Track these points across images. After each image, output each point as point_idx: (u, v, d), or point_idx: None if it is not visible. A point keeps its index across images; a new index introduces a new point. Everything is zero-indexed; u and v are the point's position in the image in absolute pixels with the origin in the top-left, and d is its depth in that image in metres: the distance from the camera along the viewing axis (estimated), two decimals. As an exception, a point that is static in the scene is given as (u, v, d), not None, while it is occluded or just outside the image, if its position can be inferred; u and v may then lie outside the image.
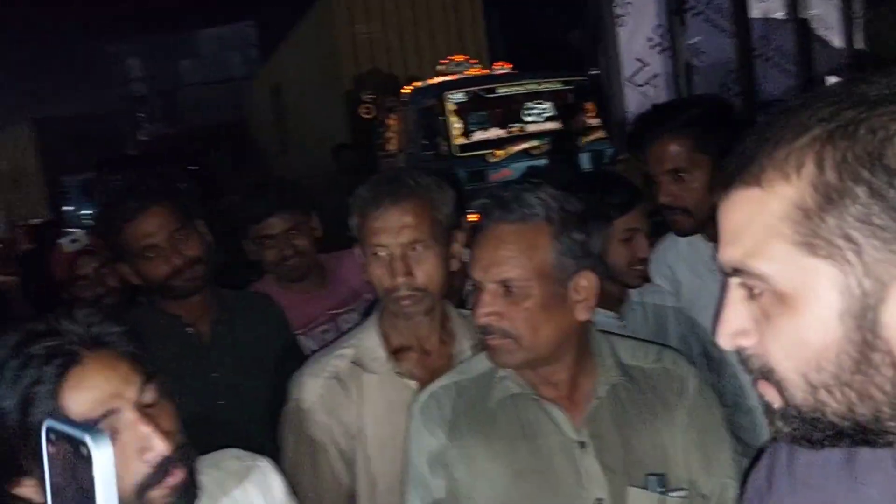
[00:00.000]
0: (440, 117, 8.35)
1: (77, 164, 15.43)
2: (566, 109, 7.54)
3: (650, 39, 3.80)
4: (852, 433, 0.58)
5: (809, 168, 0.56)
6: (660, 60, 3.81)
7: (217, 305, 1.81)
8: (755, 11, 3.68)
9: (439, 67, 9.74)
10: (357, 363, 1.48)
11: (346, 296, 2.18)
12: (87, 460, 0.58)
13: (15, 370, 0.86)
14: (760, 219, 0.58)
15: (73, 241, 2.25)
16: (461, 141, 8.23)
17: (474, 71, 9.57)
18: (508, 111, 8.54)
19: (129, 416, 0.88)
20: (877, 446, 0.60)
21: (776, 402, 0.60)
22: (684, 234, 1.72)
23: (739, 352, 0.62)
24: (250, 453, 1.13)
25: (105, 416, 0.87)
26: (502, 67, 9.71)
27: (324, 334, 2.13)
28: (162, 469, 0.88)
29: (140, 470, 0.88)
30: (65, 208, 14.69)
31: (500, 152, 7.98)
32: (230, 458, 1.10)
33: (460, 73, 9.43)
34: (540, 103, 8.55)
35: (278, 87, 15.42)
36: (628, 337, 1.36)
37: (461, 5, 11.94)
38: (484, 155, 7.97)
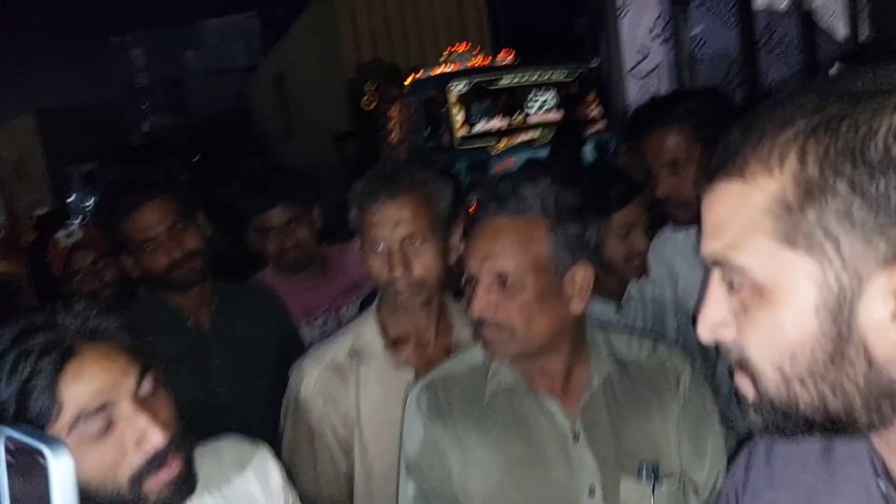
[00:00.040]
0: (442, 108, 8.33)
1: (81, 155, 15.44)
2: (569, 100, 7.52)
3: (652, 30, 3.79)
4: (824, 424, 0.59)
5: (792, 162, 0.56)
6: (662, 51, 3.81)
7: (217, 297, 1.82)
8: (758, 2, 3.67)
9: (442, 58, 9.71)
10: (355, 353, 1.50)
11: (347, 287, 2.19)
12: (45, 471, 0.59)
13: (12, 363, 0.87)
14: (743, 212, 0.58)
15: (69, 234, 2.25)
16: (463, 131, 8.20)
17: (477, 61, 9.54)
18: (511, 102, 8.50)
19: (126, 407, 0.89)
20: (845, 436, 0.61)
21: (750, 395, 0.61)
22: (682, 227, 1.72)
23: (719, 344, 0.63)
24: (249, 440, 1.14)
25: (102, 407, 0.88)
26: (505, 58, 9.67)
27: (324, 325, 2.14)
28: (159, 460, 0.90)
29: (137, 461, 0.89)
30: (68, 199, 14.72)
31: (502, 143, 7.96)
32: (229, 445, 1.12)
33: (463, 63, 9.40)
34: (543, 94, 8.52)
35: (281, 77, 15.39)
36: (623, 329, 1.36)
37: (464, -5, 11.89)
38: (486, 146, 7.96)
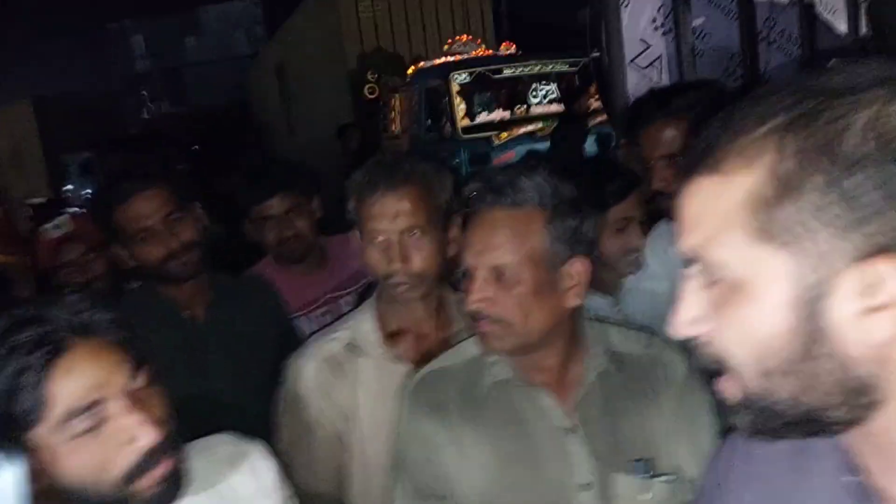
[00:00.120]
0: (444, 98, 8.30)
1: (78, 143, 15.39)
2: (570, 92, 7.48)
3: (654, 21, 3.76)
4: (802, 422, 0.59)
5: (768, 157, 0.56)
6: (663, 43, 3.77)
7: (212, 289, 1.81)
8: (760, -6, 3.64)
9: (444, 48, 9.68)
10: (352, 346, 1.49)
11: (346, 278, 2.19)
12: None
13: (0, 359, 0.85)
14: (719, 207, 0.58)
15: (57, 226, 2.22)
16: (465, 122, 8.19)
17: (479, 52, 9.50)
18: (513, 93, 8.49)
19: (117, 405, 0.88)
20: (826, 436, 0.61)
21: (734, 396, 0.61)
22: None
23: (692, 340, 0.63)
24: (242, 438, 1.13)
25: (93, 405, 0.87)
26: (507, 49, 9.63)
27: (323, 316, 2.14)
28: (151, 458, 0.88)
29: (129, 459, 0.88)
30: (66, 187, 14.70)
31: (504, 134, 7.95)
32: (221, 443, 1.10)
33: (465, 53, 9.37)
34: (545, 85, 8.50)
35: (282, 67, 15.34)
36: (619, 323, 1.36)
37: (467, -16, 11.82)
38: (488, 137, 7.94)
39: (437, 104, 8.46)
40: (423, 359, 1.41)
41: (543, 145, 6.77)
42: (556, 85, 8.40)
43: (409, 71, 9.55)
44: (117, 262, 1.81)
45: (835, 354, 0.55)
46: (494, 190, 1.18)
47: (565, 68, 8.49)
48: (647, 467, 1.19)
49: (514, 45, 9.62)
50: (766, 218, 0.56)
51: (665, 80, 3.63)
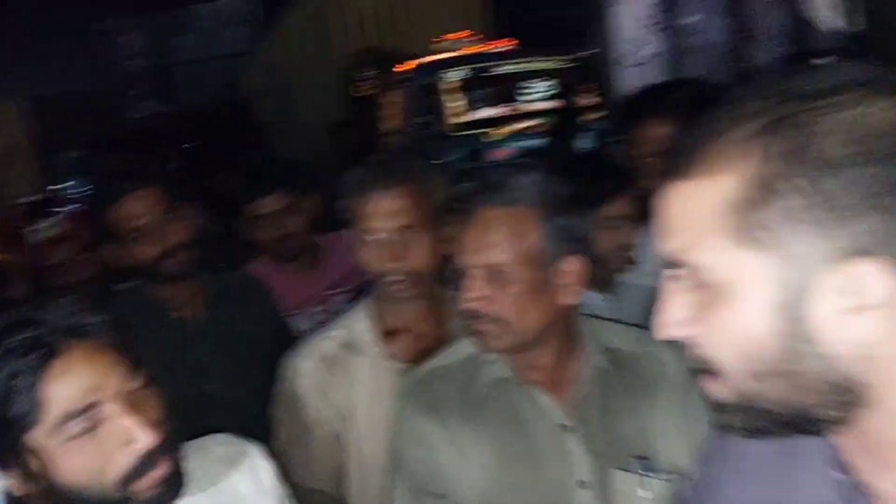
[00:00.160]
0: (436, 95, 8.29)
1: (71, 142, 15.33)
2: (566, 89, 7.49)
3: (646, 19, 3.78)
4: (791, 421, 0.59)
5: (745, 162, 0.56)
6: (656, 40, 3.79)
7: (206, 289, 1.81)
8: (752, -9, 3.66)
9: (436, 45, 9.65)
10: (348, 346, 1.49)
11: (340, 277, 2.19)
12: None
13: None
14: (698, 212, 0.59)
15: (48, 227, 2.22)
16: (458, 119, 8.18)
17: (473, 48, 9.48)
18: (506, 89, 8.46)
19: (112, 408, 0.87)
20: (814, 435, 0.62)
21: (721, 395, 0.62)
22: None
23: (679, 342, 0.63)
24: (238, 439, 1.13)
25: (88, 408, 0.86)
26: (502, 45, 9.61)
27: (317, 315, 2.14)
28: (147, 460, 0.88)
29: (125, 462, 0.87)
30: (59, 186, 14.64)
31: (497, 131, 7.94)
32: (218, 443, 1.10)
33: (457, 50, 9.35)
34: (539, 82, 8.48)
35: (274, 65, 15.30)
36: (613, 321, 1.36)
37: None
38: (481, 134, 7.93)
39: (429, 101, 8.44)
40: (419, 357, 1.41)
41: (537, 142, 6.76)
42: (549, 81, 8.39)
43: (403, 68, 9.53)
44: (110, 261, 1.80)
45: (820, 355, 0.56)
46: (488, 189, 1.18)
47: (559, 65, 8.47)
48: (645, 465, 1.20)
49: (509, 42, 9.61)
50: (746, 221, 0.56)
51: (658, 77, 3.64)
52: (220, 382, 1.73)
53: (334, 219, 1.76)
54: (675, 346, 1.34)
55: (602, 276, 1.70)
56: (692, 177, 0.59)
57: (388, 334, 1.50)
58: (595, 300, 1.66)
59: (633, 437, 1.22)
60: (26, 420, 0.84)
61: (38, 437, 0.85)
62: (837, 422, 0.59)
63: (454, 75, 8.32)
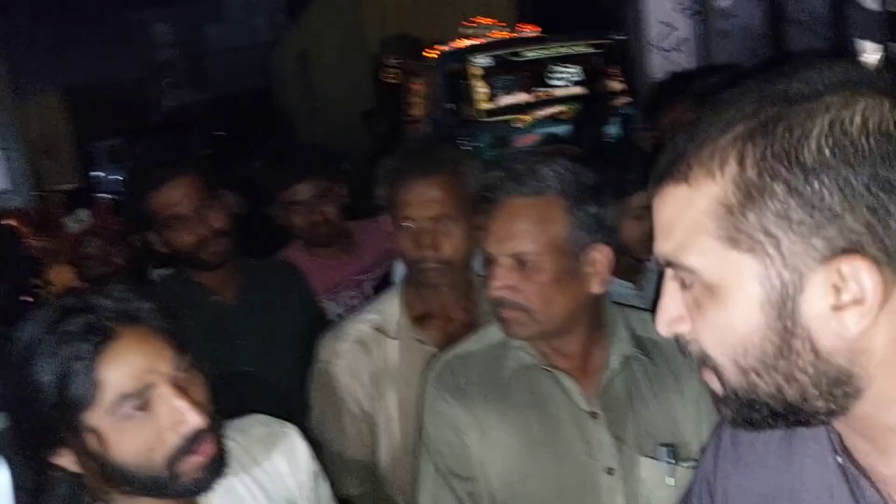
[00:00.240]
0: (465, 81, 8.27)
1: (106, 131, 15.59)
2: (594, 74, 7.41)
3: (679, 2, 3.72)
4: (786, 413, 0.61)
5: (731, 166, 0.58)
6: (688, 24, 3.73)
7: (242, 274, 1.85)
8: (788, -27, 3.58)
9: (464, 31, 9.61)
10: (380, 329, 1.53)
11: (372, 263, 2.22)
12: None
13: (52, 346, 0.88)
14: (688, 215, 0.61)
15: (77, 220, 2.27)
16: (486, 106, 8.15)
17: (499, 34, 9.42)
18: (534, 75, 8.39)
19: (163, 390, 0.90)
20: (811, 425, 0.64)
21: (718, 389, 0.64)
22: None
23: (678, 338, 0.66)
24: (276, 420, 1.16)
25: (141, 390, 0.90)
26: (529, 30, 9.54)
27: (350, 300, 2.18)
28: (194, 441, 0.91)
29: (173, 442, 0.91)
30: (94, 174, 14.91)
31: (525, 117, 7.90)
32: (257, 424, 1.13)
33: (485, 35, 9.30)
34: (567, 67, 8.40)
35: (304, 53, 15.36)
36: (641, 309, 1.37)
37: (487, -34, 11.69)
38: (510, 120, 7.90)
39: (457, 87, 8.42)
40: (448, 342, 1.44)
41: (565, 128, 6.72)
42: (578, 67, 8.31)
43: (430, 54, 9.51)
44: (149, 247, 1.85)
45: (811, 349, 0.58)
46: (515, 178, 1.19)
47: (588, 50, 8.38)
48: (671, 453, 1.20)
49: (537, 27, 9.53)
50: (733, 225, 0.58)
51: (690, 62, 3.59)
52: (254, 365, 1.77)
53: (366, 205, 1.79)
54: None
55: (629, 265, 1.71)
56: (683, 181, 0.61)
57: (420, 319, 1.53)
58: (622, 289, 1.67)
59: (660, 425, 1.23)
60: (84, 401, 0.88)
61: (94, 417, 0.89)
62: (831, 412, 0.61)
63: (482, 61, 8.28)
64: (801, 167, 0.55)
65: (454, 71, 8.49)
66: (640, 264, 1.75)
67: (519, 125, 7.81)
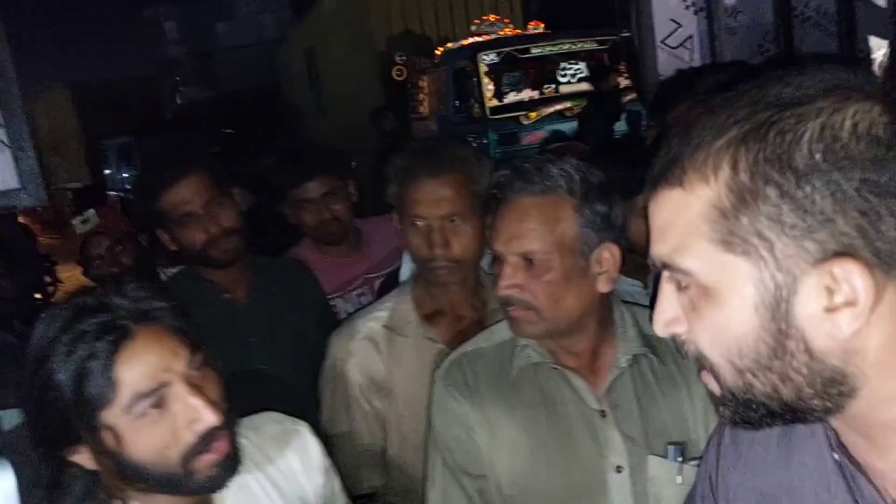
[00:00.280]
0: (472, 79, 8.27)
1: (115, 129, 15.66)
2: (601, 71, 7.40)
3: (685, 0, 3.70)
4: (782, 412, 0.62)
5: (725, 170, 0.59)
6: (695, 21, 3.71)
7: (253, 272, 1.86)
8: (796, -31, 3.55)
9: (472, 28, 9.61)
10: (390, 326, 1.54)
11: (381, 261, 2.23)
12: None
13: (68, 345, 0.89)
14: (683, 218, 0.62)
15: (84, 221, 2.27)
16: (494, 103, 8.15)
17: (507, 31, 9.41)
18: (542, 72, 8.41)
19: (179, 388, 0.91)
20: (807, 423, 0.65)
21: (716, 390, 0.65)
22: None
23: (675, 339, 0.67)
24: (289, 417, 1.17)
25: (157, 389, 0.90)
26: (536, 28, 9.54)
27: (360, 297, 2.19)
28: (209, 439, 0.92)
29: (188, 440, 0.92)
30: (105, 172, 14.97)
31: (533, 114, 7.89)
32: (269, 421, 1.14)
33: (493, 33, 9.29)
34: (574, 64, 8.40)
35: (312, 50, 15.38)
36: (649, 308, 1.38)
37: (494, -36, 11.68)
38: (517, 117, 7.89)
39: (465, 85, 8.43)
40: (458, 340, 1.45)
41: (573, 125, 6.71)
42: (585, 64, 8.30)
43: (438, 52, 9.51)
44: (160, 245, 1.85)
45: (805, 350, 0.59)
46: (523, 177, 1.19)
47: (595, 47, 8.38)
48: (680, 451, 1.21)
49: (543, 24, 9.52)
50: (727, 228, 0.59)
51: (697, 60, 3.58)
52: (265, 362, 1.78)
53: (373, 203, 1.80)
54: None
55: (637, 263, 1.71)
56: (677, 185, 0.62)
57: (430, 317, 1.54)
58: (631, 287, 1.67)
59: (669, 423, 1.23)
60: (100, 400, 0.89)
61: (110, 415, 0.90)
62: (826, 411, 0.62)
63: (490, 58, 8.29)
64: (793, 171, 0.56)
65: (462, 68, 8.50)
66: (646, 263, 1.75)
67: (526, 122, 7.80)
